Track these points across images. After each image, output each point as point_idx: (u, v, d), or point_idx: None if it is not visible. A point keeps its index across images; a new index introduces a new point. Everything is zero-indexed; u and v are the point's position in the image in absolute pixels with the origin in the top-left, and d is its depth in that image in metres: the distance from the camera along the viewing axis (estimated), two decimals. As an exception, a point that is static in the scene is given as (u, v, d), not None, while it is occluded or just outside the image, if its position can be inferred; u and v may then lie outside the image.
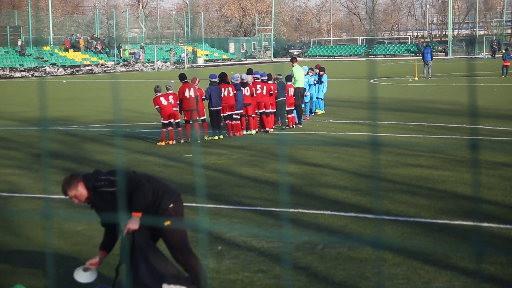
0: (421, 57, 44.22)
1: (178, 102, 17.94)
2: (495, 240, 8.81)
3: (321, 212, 10.46)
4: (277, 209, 10.60)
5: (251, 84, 19.27)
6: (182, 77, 18.46)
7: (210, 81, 18.63)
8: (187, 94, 17.94)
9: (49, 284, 7.79)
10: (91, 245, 9.03)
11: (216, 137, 18.44)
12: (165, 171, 14.27)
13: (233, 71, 20.64)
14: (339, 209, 10.57)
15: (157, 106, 17.90)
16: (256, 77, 19.56)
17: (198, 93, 18.15)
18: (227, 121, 18.79)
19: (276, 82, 20.12)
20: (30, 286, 7.52)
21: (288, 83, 20.55)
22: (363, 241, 9.04)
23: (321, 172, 13.60)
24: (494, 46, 75.88)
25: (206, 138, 18.40)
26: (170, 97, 17.97)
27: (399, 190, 11.77)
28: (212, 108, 18.37)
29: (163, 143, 17.87)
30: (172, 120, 17.94)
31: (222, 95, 18.50)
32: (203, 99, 18.41)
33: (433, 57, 47.67)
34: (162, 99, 17.81)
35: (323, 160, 14.89)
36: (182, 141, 18.09)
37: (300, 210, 10.52)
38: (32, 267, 8.24)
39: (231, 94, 18.59)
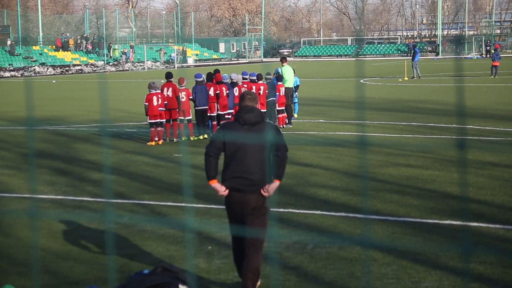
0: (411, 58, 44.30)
1: (165, 102, 17.96)
2: (484, 239, 8.84)
3: (311, 212, 10.47)
4: (267, 209, 10.60)
5: (240, 84, 19.28)
6: (167, 75, 18.55)
7: (195, 80, 18.66)
8: (165, 93, 18.02)
9: (35, 285, 7.77)
10: (80, 245, 9.01)
11: (201, 137, 18.45)
12: (155, 170, 14.25)
13: (223, 71, 20.62)
14: (329, 209, 10.58)
15: (147, 104, 17.91)
16: (244, 77, 19.60)
17: (185, 93, 18.16)
18: (213, 122, 18.81)
19: (266, 82, 20.12)
20: (20, 286, 7.48)
21: (279, 83, 20.56)
22: (353, 241, 9.05)
23: (311, 172, 13.61)
24: (488, 46, 76.17)
25: (192, 138, 18.35)
26: (155, 97, 17.98)
27: (389, 190, 11.79)
28: (196, 108, 18.39)
29: (153, 143, 17.86)
30: (158, 120, 17.99)
31: (213, 94, 18.53)
32: (190, 99, 18.40)
33: (420, 57, 47.75)
34: (154, 98, 17.83)
35: (313, 160, 14.91)
36: (167, 140, 18.16)
37: (290, 210, 10.53)
38: (21, 267, 8.21)
39: (225, 93, 18.64)
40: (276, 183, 6.87)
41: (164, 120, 18.12)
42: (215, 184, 7.00)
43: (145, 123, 18.63)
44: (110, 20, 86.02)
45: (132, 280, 4.32)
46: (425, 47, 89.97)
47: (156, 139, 17.89)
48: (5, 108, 28.99)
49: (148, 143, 17.90)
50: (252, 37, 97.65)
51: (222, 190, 6.96)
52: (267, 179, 6.89)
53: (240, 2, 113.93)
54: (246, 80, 19.56)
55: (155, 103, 17.74)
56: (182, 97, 18.11)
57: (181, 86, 18.23)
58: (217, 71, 19.20)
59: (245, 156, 6.86)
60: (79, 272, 8.00)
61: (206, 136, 18.52)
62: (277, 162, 6.84)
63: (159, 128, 17.95)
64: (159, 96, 17.89)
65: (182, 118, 18.20)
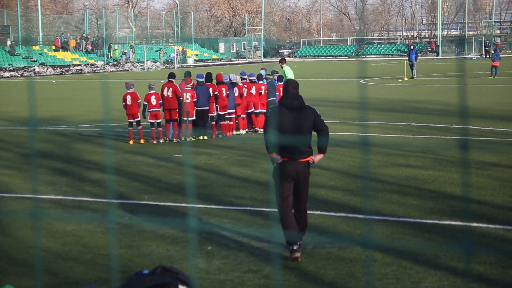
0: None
1: (160, 102, 18.01)
2: (484, 240, 8.85)
3: (311, 212, 10.45)
4: (267, 209, 10.61)
5: (240, 84, 19.28)
6: (169, 75, 18.58)
7: (197, 81, 18.67)
8: (165, 93, 18.06)
9: (37, 284, 7.77)
10: (80, 245, 9.02)
11: (201, 137, 18.47)
12: (155, 171, 14.26)
13: (223, 71, 20.64)
14: (329, 209, 10.58)
15: (146, 103, 18.00)
16: (243, 78, 19.63)
17: (189, 94, 18.14)
18: (212, 122, 18.82)
19: (266, 82, 20.14)
20: (19, 286, 7.49)
21: (279, 83, 20.55)
22: (353, 241, 9.05)
23: (311, 172, 13.58)
24: (487, 46, 76.21)
25: (188, 139, 18.33)
26: (153, 97, 18.04)
27: (388, 190, 11.80)
28: (197, 108, 18.37)
29: (154, 141, 18.12)
30: (154, 120, 18.11)
31: (212, 95, 18.55)
32: (194, 101, 18.37)
33: (420, 58, 47.84)
34: (152, 97, 17.92)
35: (313, 160, 14.89)
36: (162, 141, 18.20)
37: (290, 210, 10.51)
38: (21, 267, 8.21)
39: (224, 94, 18.63)
40: (320, 155, 8.43)
41: (160, 120, 18.18)
42: (275, 155, 8.31)
43: (145, 123, 18.64)
44: (110, 20, 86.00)
45: (132, 280, 4.31)
46: (425, 47, 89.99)
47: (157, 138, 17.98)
48: (5, 108, 29.00)
49: (150, 141, 18.11)
50: (252, 37, 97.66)
51: (278, 158, 8.28)
52: (312, 151, 8.42)
53: (240, 2, 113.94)
54: (246, 81, 19.57)
55: (153, 102, 17.93)
56: (187, 98, 18.07)
57: (187, 87, 18.21)
58: (209, 74, 19.17)
59: (296, 134, 8.25)
60: (79, 272, 8.00)
61: (206, 137, 18.50)
62: (321, 138, 8.33)
63: (145, 128, 18.11)
64: (153, 96, 17.99)
65: (186, 118, 18.20)
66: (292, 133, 8.23)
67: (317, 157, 8.41)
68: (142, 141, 18.09)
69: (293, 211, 8.42)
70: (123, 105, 18.15)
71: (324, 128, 8.34)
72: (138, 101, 18.08)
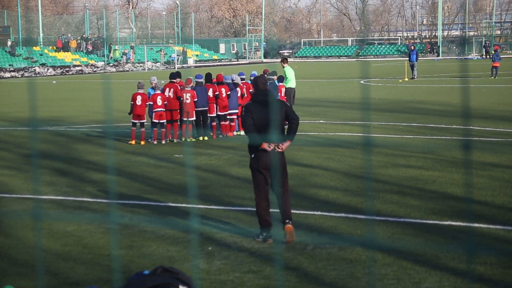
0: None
1: (165, 102, 18.01)
2: (484, 240, 8.84)
3: (312, 212, 10.47)
4: (268, 210, 10.59)
5: (240, 84, 19.28)
6: (171, 76, 18.58)
7: (196, 81, 18.68)
8: (166, 93, 18.06)
9: (38, 285, 7.77)
10: (80, 246, 9.01)
11: (201, 138, 18.47)
12: (156, 171, 14.26)
13: (223, 71, 20.63)
14: (329, 210, 10.58)
15: (151, 103, 18.00)
16: (242, 78, 19.65)
17: (189, 94, 18.15)
18: (213, 123, 18.82)
19: (268, 82, 20.11)
20: (20, 287, 7.49)
21: (280, 84, 20.57)
22: (353, 242, 9.05)
23: (311, 173, 13.61)
24: (487, 47, 76.28)
25: (189, 139, 18.32)
26: (159, 97, 18.01)
27: (389, 191, 11.79)
28: (196, 109, 18.38)
29: (155, 142, 18.15)
30: (158, 120, 18.12)
31: (212, 95, 18.55)
32: (195, 102, 18.37)
33: (420, 58, 47.85)
34: (158, 98, 17.92)
35: (314, 161, 14.91)
36: (163, 141, 18.20)
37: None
38: (21, 268, 8.21)
39: (224, 95, 18.63)
40: (288, 142, 8.97)
41: (164, 120, 18.16)
42: (265, 145, 8.86)
43: (146, 123, 18.64)
44: (110, 20, 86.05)
45: (132, 281, 4.31)
46: (425, 47, 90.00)
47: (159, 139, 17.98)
48: (6, 109, 29.00)
49: (150, 141, 18.12)
50: (252, 38, 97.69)
51: (268, 145, 8.87)
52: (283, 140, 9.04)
53: (241, 2, 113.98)
54: (246, 81, 19.57)
55: (158, 103, 17.91)
56: (187, 99, 18.08)
57: (187, 87, 18.22)
58: (209, 74, 19.19)
59: (271, 127, 8.92)
60: (79, 272, 8.00)
61: (206, 138, 18.50)
62: (291, 127, 9.03)
63: (142, 129, 18.09)
64: (159, 97, 17.99)
65: (186, 119, 18.20)
66: (268, 126, 8.88)
67: (286, 144, 8.94)
68: (142, 142, 18.07)
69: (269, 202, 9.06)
70: (131, 103, 18.03)
71: (295, 117, 9.09)
72: (147, 103, 18.05)
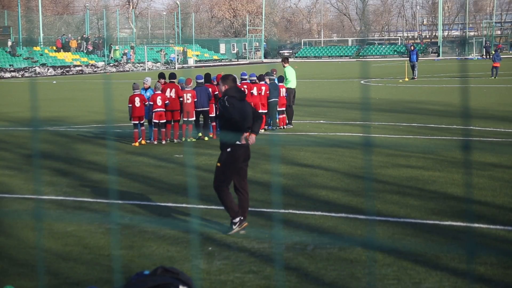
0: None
1: (166, 102, 18.01)
2: (485, 240, 8.84)
3: (312, 212, 10.47)
4: (268, 210, 10.61)
5: (240, 84, 19.28)
6: (170, 76, 18.60)
7: (196, 82, 18.69)
8: (167, 94, 18.07)
9: (39, 285, 7.77)
10: (81, 246, 9.02)
11: (206, 138, 18.47)
12: (156, 171, 14.26)
13: (223, 72, 20.63)
14: (330, 210, 10.58)
15: (152, 103, 18.00)
16: (243, 78, 19.64)
17: (190, 94, 18.16)
18: (213, 123, 18.82)
19: (268, 82, 20.13)
20: (20, 287, 7.49)
21: (280, 84, 20.57)
22: (353, 242, 9.05)
23: (312, 173, 13.61)
24: (488, 47, 76.30)
25: (189, 139, 18.31)
26: (159, 97, 18.02)
27: (389, 191, 11.79)
28: (196, 109, 18.38)
29: (155, 142, 18.13)
30: (158, 121, 18.13)
31: (212, 95, 18.57)
32: (195, 102, 18.38)
33: (421, 58, 47.85)
34: (158, 98, 17.92)
35: (314, 161, 14.91)
36: (164, 142, 18.20)
37: (291, 211, 10.53)
38: (22, 268, 8.22)
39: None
40: (255, 135, 9.54)
41: (165, 120, 18.16)
42: (244, 135, 9.46)
43: (145, 124, 18.65)
44: (110, 21, 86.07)
45: (132, 281, 4.31)
46: (426, 48, 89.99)
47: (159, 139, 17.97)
48: (6, 109, 29.01)
49: (149, 141, 18.12)
50: (252, 38, 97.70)
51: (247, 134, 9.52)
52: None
53: (241, 3, 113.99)
54: (246, 81, 19.57)
55: (158, 103, 17.90)
56: (188, 99, 18.08)
57: (187, 87, 18.22)
58: (208, 74, 19.21)
59: (246, 120, 9.50)
60: (79, 272, 8.00)
61: (206, 138, 18.51)
62: (257, 122, 9.61)
63: (162, 129, 18.07)
64: (158, 97, 18.00)
65: (186, 119, 18.19)
66: (244, 119, 9.46)
67: (254, 137, 9.57)
68: (143, 141, 18.09)
69: (239, 190, 9.75)
70: (129, 106, 18.01)
71: (260, 114, 9.94)
72: (146, 103, 18.04)
